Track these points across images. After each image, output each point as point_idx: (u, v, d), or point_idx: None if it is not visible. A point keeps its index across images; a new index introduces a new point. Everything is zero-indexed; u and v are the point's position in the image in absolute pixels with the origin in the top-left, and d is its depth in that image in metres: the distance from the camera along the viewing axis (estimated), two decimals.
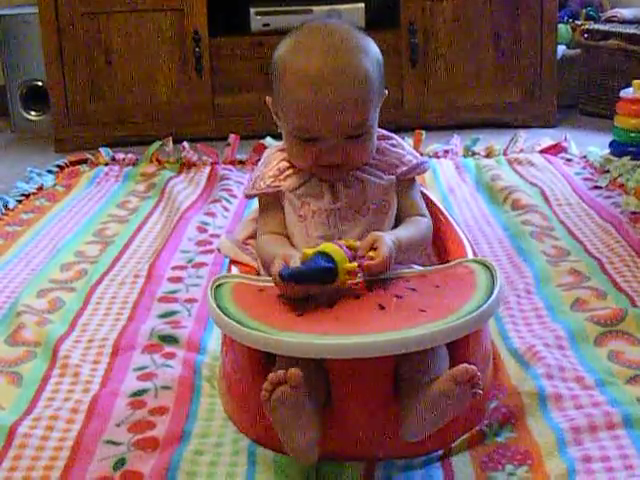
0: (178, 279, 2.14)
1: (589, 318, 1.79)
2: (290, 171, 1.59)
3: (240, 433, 1.49)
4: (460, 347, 1.41)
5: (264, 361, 1.41)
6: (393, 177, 1.60)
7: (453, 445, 1.43)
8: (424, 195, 1.74)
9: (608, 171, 2.83)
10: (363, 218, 1.55)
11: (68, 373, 1.71)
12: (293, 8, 3.55)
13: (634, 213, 2.42)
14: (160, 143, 3.30)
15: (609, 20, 3.84)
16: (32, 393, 1.66)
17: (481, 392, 1.29)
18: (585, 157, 3.05)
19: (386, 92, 1.60)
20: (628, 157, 2.87)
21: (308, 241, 1.52)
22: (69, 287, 2.14)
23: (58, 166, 3.20)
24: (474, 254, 1.62)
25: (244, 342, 1.34)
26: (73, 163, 3.25)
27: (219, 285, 1.47)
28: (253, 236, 1.69)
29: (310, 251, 1.40)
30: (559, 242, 2.27)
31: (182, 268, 2.21)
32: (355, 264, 1.39)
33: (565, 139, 3.20)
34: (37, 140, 3.80)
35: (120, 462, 1.41)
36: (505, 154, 3.15)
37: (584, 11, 4.08)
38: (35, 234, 2.55)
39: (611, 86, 3.61)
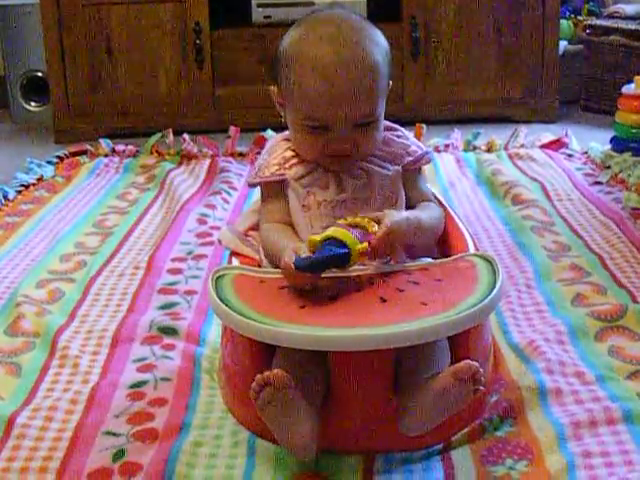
0: (178, 271, 2.14)
1: (590, 313, 1.80)
2: (295, 160, 1.59)
3: (239, 425, 1.49)
4: (461, 341, 1.41)
5: (264, 353, 1.41)
6: (399, 167, 1.60)
7: (453, 439, 1.43)
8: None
9: (609, 167, 2.83)
10: (370, 209, 1.54)
11: (67, 364, 1.71)
12: (295, 0, 3.54)
13: (635, 209, 2.41)
14: (160, 135, 3.29)
15: (611, 16, 3.83)
16: (31, 383, 1.66)
17: (483, 389, 1.29)
18: (586, 153, 3.05)
19: (391, 83, 1.60)
20: (629, 153, 2.86)
21: (312, 232, 1.51)
22: (68, 278, 2.14)
23: (58, 157, 3.20)
24: (475, 248, 1.61)
25: (245, 333, 1.33)
26: (73, 154, 3.25)
27: (220, 276, 1.47)
28: (254, 228, 1.69)
29: (317, 238, 1.40)
30: (560, 237, 2.26)
31: (182, 260, 2.21)
32: (366, 244, 1.39)
33: (566, 134, 3.20)
34: (37, 131, 3.79)
35: (119, 453, 1.41)
36: (506, 149, 3.14)
37: (586, 7, 4.08)
38: (35, 225, 2.55)
39: (613, 82, 3.60)
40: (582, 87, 3.83)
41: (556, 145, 3.14)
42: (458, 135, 3.28)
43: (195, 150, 3.20)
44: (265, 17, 3.57)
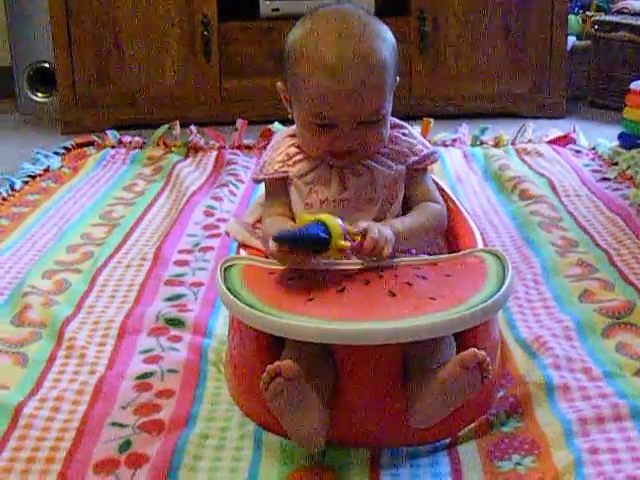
0: (184, 262, 2.14)
1: (597, 309, 1.79)
2: (299, 157, 1.58)
3: (246, 417, 1.49)
4: (468, 336, 1.41)
5: (271, 345, 1.41)
6: (403, 167, 1.58)
7: (460, 434, 1.43)
8: (436, 184, 1.73)
9: (617, 163, 2.82)
10: (372, 208, 1.54)
11: (74, 355, 1.71)
12: None
13: None
14: (167, 126, 3.29)
15: (620, 12, 3.82)
16: (38, 374, 1.65)
17: (491, 377, 1.29)
18: (594, 149, 3.04)
19: (398, 79, 1.59)
20: (637, 149, 2.85)
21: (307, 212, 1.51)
22: (75, 269, 2.14)
23: (65, 148, 3.20)
24: (484, 244, 1.61)
25: (252, 325, 1.33)
26: (80, 145, 3.25)
27: (228, 267, 1.47)
28: (261, 220, 1.69)
29: (308, 217, 1.40)
30: (567, 233, 2.26)
31: (189, 252, 2.21)
32: (348, 243, 1.39)
33: (574, 130, 3.19)
34: (44, 122, 3.79)
35: (125, 444, 1.41)
36: (513, 144, 3.14)
37: (595, 2, 4.07)
38: (41, 215, 2.55)
39: (621, 78, 3.60)
40: (590, 83, 3.83)
41: (564, 141, 3.13)
42: (465, 130, 3.27)
43: (202, 142, 3.20)
44: (273, 10, 3.57)
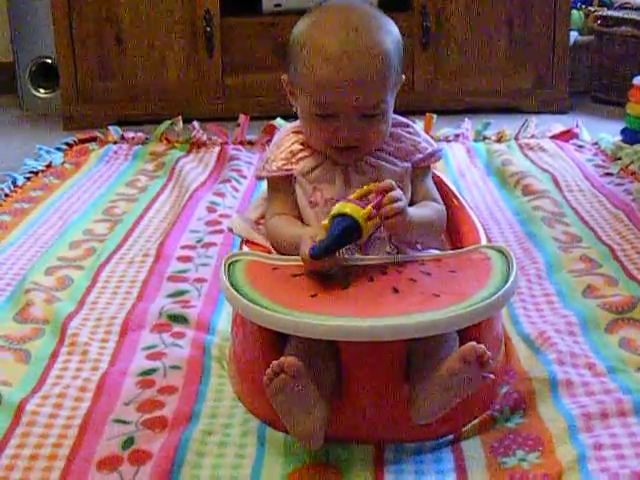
0: (187, 258, 2.14)
1: (600, 305, 1.79)
2: (302, 154, 1.58)
3: (249, 414, 1.49)
4: (472, 332, 1.40)
5: (275, 342, 1.41)
6: (408, 164, 1.58)
7: (464, 430, 1.42)
8: (439, 178, 1.73)
9: (620, 158, 2.82)
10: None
11: (77, 351, 1.71)
12: None
13: None
14: (170, 122, 3.28)
15: (622, 7, 3.82)
16: (40, 370, 1.65)
17: (492, 376, 1.29)
18: (597, 144, 3.04)
19: (403, 77, 1.59)
20: None
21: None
22: (77, 265, 2.14)
23: (67, 144, 3.19)
24: (487, 239, 1.61)
25: (256, 321, 1.33)
26: (82, 141, 3.25)
27: (232, 263, 1.46)
28: (265, 216, 1.68)
29: (326, 222, 1.39)
30: (570, 228, 2.25)
31: (191, 248, 2.21)
32: (369, 207, 1.38)
33: (577, 125, 3.19)
34: (46, 118, 3.79)
35: (129, 441, 1.41)
36: (516, 139, 3.13)
37: None
38: (44, 212, 2.55)
39: (623, 73, 3.59)
40: (593, 78, 3.82)
41: (566, 136, 3.13)
42: (468, 125, 3.26)
43: (204, 138, 3.19)
44: (275, 5, 3.56)
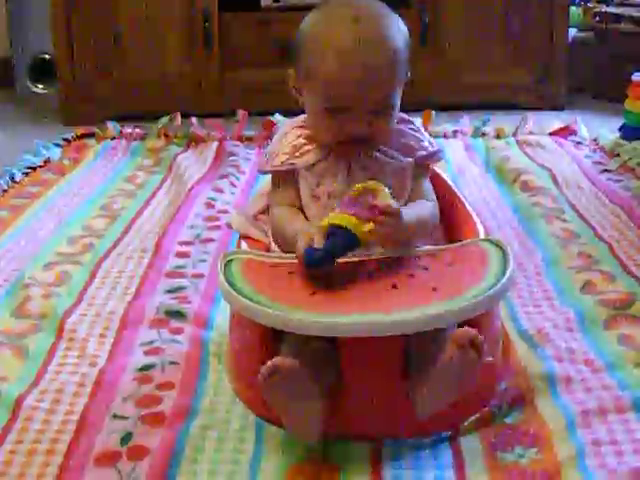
0: (185, 254, 2.14)
1: (599, 301, 1.79)
2: (306, 148, 1.57)
3: (247, 409, 1.48)
4: (470, 327, 1.40)
5: (272, 339, 1.40)
6: (411, 160, 1.58)
7: (462, 426, 1.42)
8: (437, 174, 1.73)
9: (618, 155, 2.82)
10: (372, 200, 1.53)
11: (75, 347, 1.71)
12: None
13: None
14: (168, 118, 3.28)
15: (621, 3, 3.81)
16: (38, 366, 1.65)
17: (491, 358, 1.31)
18: (595, 140, 3.04)
19: (409, 74, 1.59)
20: (639, 141, 2.85)
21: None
22: (76, 261, 2.13)
23: (65, 139, 3.19)
24: (486, 235, 1.61)
25: (254, 319, 1.33)
26: (80, 137, 3.25)
27: (230, 260, 1.46)
28: (264, 211, 1.68)
29: (324, 223, 1.39)
30: (569, 225, 2.26)
31: (189, 243, 2.21)
32: (371, 225, 1.37)
33: (575, 122, 3.19)
34: (44, 113, 3.78)
35: (127, 436, 1.41)
36: (515, 136, 3.13)
37: None
38: (41, 207, 2.54)
39: (622, 69, 3.57)
40: (591, 74, 3.82)
41: (565, 132, 3.13)
42: (467, 121, 3.27)
43: (203, 133, 3.19)
44: (274, 1, 3.56)
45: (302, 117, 1.62)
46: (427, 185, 1.62)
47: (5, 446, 1.39)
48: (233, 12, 3.58)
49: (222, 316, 1.78)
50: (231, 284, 1.38)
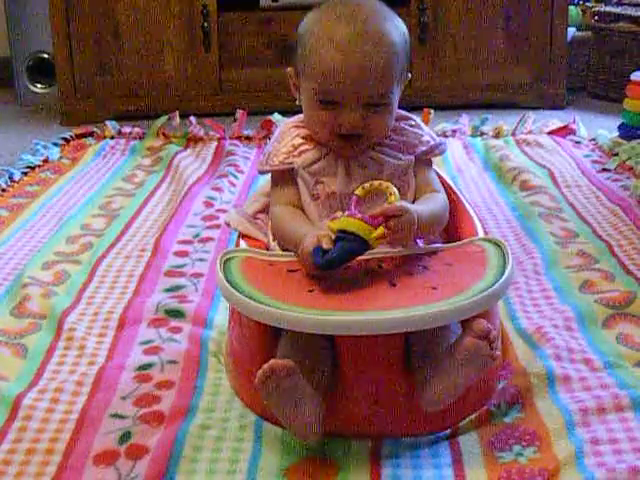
0: (184, 253, 2.14)
1: (598, 300, 1.79)
2: (304, 147, 1.58)
3: (246, 408, 1.48)
4: None
5: (271, 336, 1.41)
6: (412, 157, 1.58)
7: (461, 425, 1.42)
8: (437, 174, 1.73)
9: (617, 154, 2.82)
10: (380, 200, 1.53)
11: (73, 346, 1.70)
12: None
13: None
14: (167, 117, 3.29)
15: (619, 3, 3.82)
16: (37, 365, 1.65)
17: (498, 352, 1.32)
18: (594, 140, 3.04)
19: (409, 75, 1.59)
20: (637, 140, 2.85)
21: (329, 218, 1.50)
22: (74, 260, 2.13)
23: (64, 139, 3.19)
24: (485, 234, 1.61)
25: (252, 316, 1.33)
26: (79, 136, 3.25)
27: (228, 259, 1.46)
28: (263, 210, 1.68)
29: (333, 225, 1.38)
30: (568, 224, 2.25)
31: (188, 242, 2.21)
32: (381, 229, 1.37)
33: (574, 121, 3.19)
34: (43, 113, 3.78)
35: (126, 436, 1.41)
36: (514, 135, 3.13)
37: None
38: (40, 206, 2.54)
39: (621, 69, 3.59)
40: (590, 74, 3.82)
41: (564, 132, 3.13)
42: (465, 120, 3.27)
43: (202, 133, 3.20)
44: (273, 0, 3.56)
45: (300, 116, 1.62)
46: (433, 175, 1.63)
47: (4, 445, 1.39)
48: (232, 12, 3.58)
49: (221, 315, 1.79)
50: (230, 282, 1.38)
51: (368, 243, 1.37)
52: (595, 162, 2.81)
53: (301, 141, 1.58)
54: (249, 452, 1.38)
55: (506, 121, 3.26)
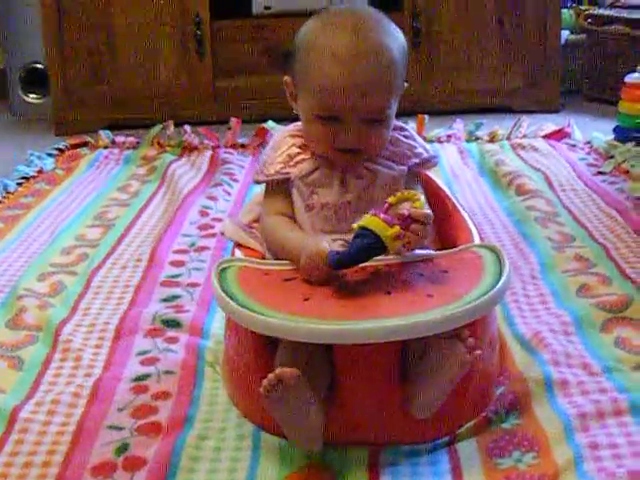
0: (180, 263, 2.13)
1: (595, 304, 1.79)
2: (300, 157, 1.57)
3: (244, 418, 1.48)
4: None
5: (268, 346, 1.40)
6: (404, 167, 1.57)
7: (459, 432, 1.42)
8: (430, 179, 1.73)
9: (612, 157, 2.82)
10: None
11: (70, 357, 1.70)
12: None
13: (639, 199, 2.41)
14: (161, 126, 3.29)
15: (613, 5, 3.82)
16: (33, 377, 1.64)
17: (478, 352, 1.29)
18: (589, 143, 3.04)
19: (406, 84, 1.59)
20: (632, 143, 2.85)
21: (315, 233, 1.50)
22: (70, 271, 2.13)
23: (58, 149, 3.19)
24: (480, 239, 1.60)
25: (249, 326, 1.32)
26: (73, 146, 3.25)
27: (224, 268, 1.46)
28: (258, 220, 1.67)
29: (355, 226, 1.38)
30: (564, 228, 2.25)
31: (184, 252, 2.20)
32: (398, 228, 1.37)
33: (569, 124, 3.19)
34: (37, 123, 3.78)
35: (123, 447, 1.40)
36: (509, 139, 3.14)
37: None
38: (35, 217, 2.54)
39: (615, 71, 3.59)
40: (584, 77, 3.82)
41: (559, 135, 3.13)
42: (460, 125, 3.27)
43: (196, 141, 3.20)
44: (265, 8, 3.56)
45: (297, 125, 1.61)
46: (420, 190, 1.62)
47: (1, 458, 1.39)
48: (225, 19, 3.58)
49: (217, 325, 1.78)
50: (225, 291, 1.37)
51: (382, 240, 1.36)
52: (591, 165, 2.81)
53: (297, 151, 1.57)
54: (247, 462, 1.37)
55: (501, 125, 3.26)
